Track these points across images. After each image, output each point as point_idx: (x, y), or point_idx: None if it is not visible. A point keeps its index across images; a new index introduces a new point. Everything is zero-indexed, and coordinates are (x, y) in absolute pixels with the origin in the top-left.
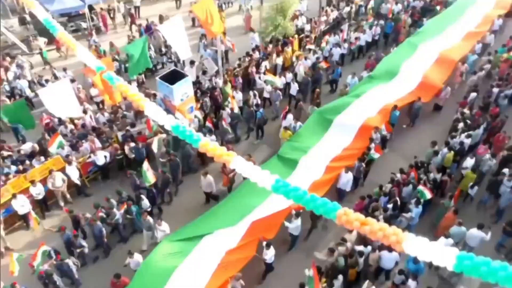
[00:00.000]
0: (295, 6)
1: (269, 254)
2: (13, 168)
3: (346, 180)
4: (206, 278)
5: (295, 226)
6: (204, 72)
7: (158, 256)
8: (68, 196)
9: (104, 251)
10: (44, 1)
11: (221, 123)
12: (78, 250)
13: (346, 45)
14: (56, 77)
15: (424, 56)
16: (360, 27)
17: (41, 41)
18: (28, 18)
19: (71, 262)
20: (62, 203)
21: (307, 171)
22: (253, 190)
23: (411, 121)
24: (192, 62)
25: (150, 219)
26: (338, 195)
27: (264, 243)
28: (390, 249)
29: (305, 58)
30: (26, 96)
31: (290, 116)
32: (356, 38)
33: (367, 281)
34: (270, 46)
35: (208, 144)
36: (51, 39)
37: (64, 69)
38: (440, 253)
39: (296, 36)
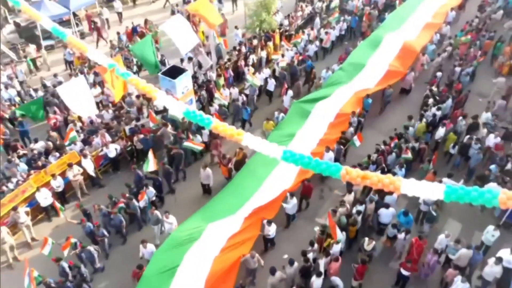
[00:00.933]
0: (277, 2)
1: (272, 230)
2: (23, 166)
3: (328, 158)
4: (209, 262)
5: (291, 205)
6: (200, 67)
7: (169, 245)
8: (84, 188)
9: (123, 239)
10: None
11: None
12: (99, 239)
13: (317, 42)
14: (45, 86)
15: (389, 47)
16: (328, 23)
17: (32, 47)
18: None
19: (92, 248)
20: (79, 195)
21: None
22: (249, 179)
23: (383, 107)
24: (190, 58)
25: (157, 213)
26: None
27: (265, 221)
28: (387, 206)
29: (282, 55)
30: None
31: (290, 92)
32: (327, 33)
33: (367, 239)
34: (255, 41)
35: (219, 126)
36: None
37: (55, 75)
38: (431, 189)
39: (277, 30)
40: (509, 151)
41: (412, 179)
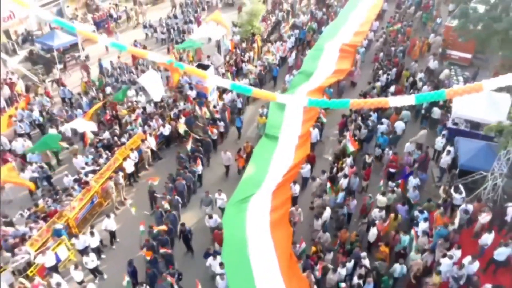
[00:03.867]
0: (264, 11)
1: (297, 189)
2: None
3: (315, 134)
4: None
5: (306, 169)
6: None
7: (230, 210)
8: (150, 159)
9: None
10: (46, 38)
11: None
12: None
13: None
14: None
15: (331, 52)
16: (281, 37)
17: (57, 68)
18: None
19: (176, 214)
20: (147, 165)
21: (287, 141)
22: (259, 162)
23: (339, 96)
24: (208, 56)
25: (210, 196)
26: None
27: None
28: (381, 122)
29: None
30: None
31: (293, 53)
32: (283, 45)
33: (367, 155)
34: (243, 44)
35: (259, 92)
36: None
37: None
38: (406, 98)
39: (258, 35)
40: None
41: (393, 97)
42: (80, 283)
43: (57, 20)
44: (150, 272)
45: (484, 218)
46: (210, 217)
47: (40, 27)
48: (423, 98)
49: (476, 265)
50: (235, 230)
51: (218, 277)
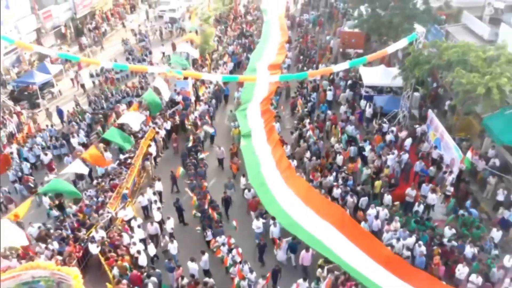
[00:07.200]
0: (214, 34)
1: (295, 163)
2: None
3: (277, 127)
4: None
5: (287, 150)
6: None
7: (255, 183)
8: (162, 147)
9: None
10: (27, 78)
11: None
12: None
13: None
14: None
15: (262, 70)
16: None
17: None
18: None
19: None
20: (160, 153)
21: (259, 141)
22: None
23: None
24: (184, 69)
25: (232, 181)
26: None
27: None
28: (330, 90)
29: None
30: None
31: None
32: (225, 68)
33: (316, 116)
34: (199, 61)
35: (242, 77)
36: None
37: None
38: (343, 64)
39: (208, 53)
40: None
41: (337, 64)
42: (159, 222)
43: (60, 54)
44: (208, 223)
45: (403, 133)
46: (249, 190)
47: (8, 72)
48: (354, 63)
49: (407, 155)
50: (263, 189)
51: (272, 226)
